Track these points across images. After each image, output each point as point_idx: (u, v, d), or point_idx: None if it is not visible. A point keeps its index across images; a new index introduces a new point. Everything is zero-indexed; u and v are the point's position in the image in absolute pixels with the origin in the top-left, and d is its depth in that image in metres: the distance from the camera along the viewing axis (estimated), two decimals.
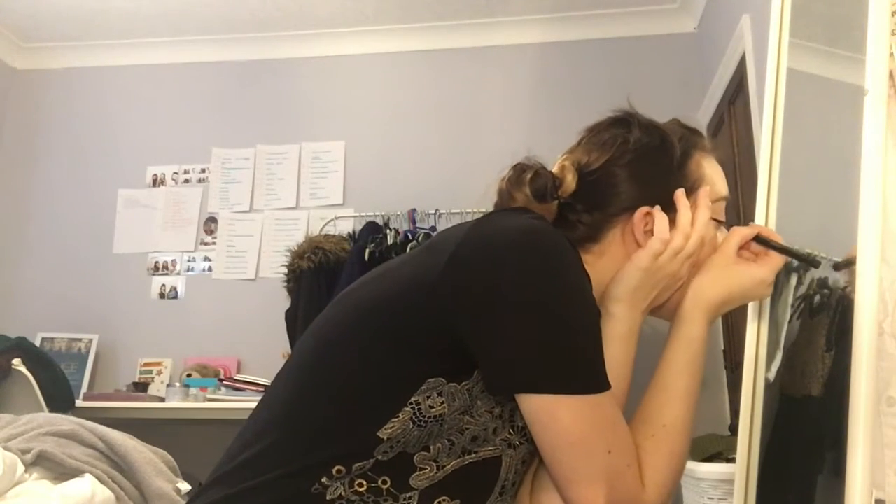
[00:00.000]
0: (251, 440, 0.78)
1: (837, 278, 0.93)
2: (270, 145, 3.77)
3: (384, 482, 0.73)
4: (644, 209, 0.88)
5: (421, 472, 0.75)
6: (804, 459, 0.98)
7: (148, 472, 1.76)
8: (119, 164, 3.83)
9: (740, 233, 0.92)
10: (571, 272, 0.76)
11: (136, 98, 3.92)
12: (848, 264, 0.87)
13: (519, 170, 0.91)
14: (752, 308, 1.12)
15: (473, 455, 0.77)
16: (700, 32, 3.47)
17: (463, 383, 0.75)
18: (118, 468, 1.77)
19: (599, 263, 0.88)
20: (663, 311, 0.93)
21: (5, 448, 1.64)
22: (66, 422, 1.84)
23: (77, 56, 3.99)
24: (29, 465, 1.66)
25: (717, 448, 2.07)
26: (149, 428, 2.53)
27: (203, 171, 3.79)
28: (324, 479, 0.72)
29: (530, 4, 3.59)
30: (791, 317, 1.05)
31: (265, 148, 3.78)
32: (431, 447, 0.75)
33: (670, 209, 0.89)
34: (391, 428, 0.73)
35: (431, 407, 0.74)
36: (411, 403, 0.73)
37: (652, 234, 0.87)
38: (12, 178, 3.89)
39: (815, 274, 0.99)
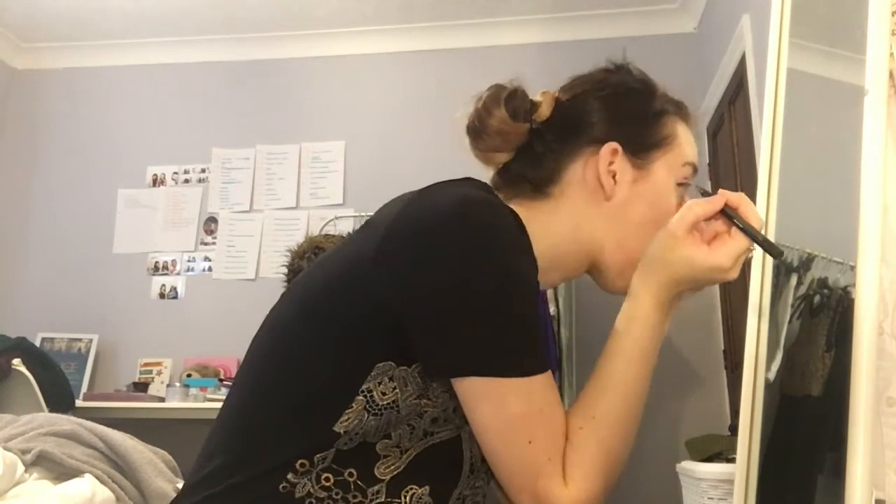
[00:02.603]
0: (215, 445, 0.78)
1: (837, 278, 0.93)
2: (270, 145, 3.77)
3: (350, 475, 0.72)
4: (613, 145, 0.85)
5: (385, 461, 0.73)
6: (804, 459, 0.98)
7: (148, 472, 1.76)
8: (119, 164, 3.83)
9: (695, 211, 0.79)
10: (507, 249, 0.72)
11: (136, 98, 3.92)
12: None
13: (497, 88, 0.89)
14: (752, 308, 1.12)
15: (434, 437, 0.75)
16: (700, 32, 3.47)
17: (413, 366, 0.73)
18: (118, 468, 1.77)
19: (559, 207, 0.86)
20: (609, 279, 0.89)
21: (5, 448, 1.64)
22: (66, 422, 1.84)
23: (77, 56, 3.99)
24: (29, 465, 1.66)
25: (717, 448, 2.07)
26: (149, 428, 2.53)
27: (203, 171, 3.79)
28: (290, 476, 0.71)
29: (530, 4, 3.59)
30: (791, 317, 1.05)
31: (265, 148, 3.77)
32: (392, 434, 0.73)
33: (637, 155, 0.86)
34: (346, 420, 0.72)
35: (384, 394, 0.72)
36: (363, 391, 0.72)
37: (614, 176, 0.84)
38: (12, 178, 3.89)
39: (815, 274, 0.99)
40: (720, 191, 0.81)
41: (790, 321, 1.05)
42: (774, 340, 1.09)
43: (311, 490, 0.71)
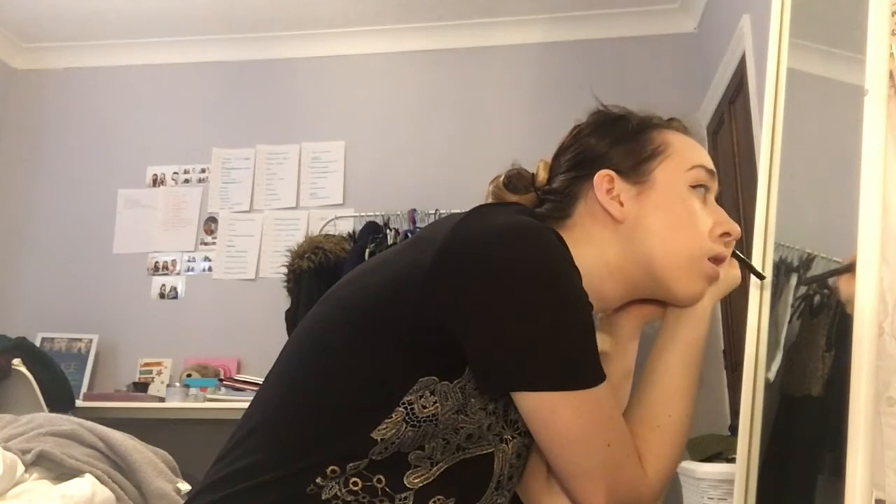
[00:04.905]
0: (243, 443, 0.78)
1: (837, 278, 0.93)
2: (270, 145, 3.77)
3: (379, 481, 0.73)
4: (604, 172, 0.88)
5: (416, 470, 0.74)
6: (804, 459, 0.98)
7: (148, 472, 1.76)
8: (119, 164, 3.83)
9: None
10: (560, 267, 0.75)
11: (136, 98, 3.92)
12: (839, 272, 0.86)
13: (494, 180, 0.96)
14: (752, 308, 1.12)
15: (467, 452, 0.77)
16: (700, 32, 3.47)
17: (455, 381, 0.74)
18: (118, 468, 1.77)
19: (583, 244, 0.88)
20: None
21: (5, 448, 1.64)
22: (66, 422, 1.84)
23: (77, 56, 3.99)
24: (29, 465, 1.66)
25: (717, 448, 2.07)
26: (149, 428, 2.53)
27: (203, 171, 3.79)
28: (318, 480, 0.72)
29: (530, 4, 3.59)
30: (791, 317, 1.05)
31: (265, 148, 3.77)
32: (426, 446, 0.74)
33: (633, 173, 0.88)
34: (384, 429, 0.72)
35: (424, 407, 0.73)
36: (404, 403, 0.73)
37: (617, 199, 0.87)
38: (12, 178, 3.89)
39: (815, 274, 0.99)
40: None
41: (790, 321, 1.05)
42: (774, 340, 1.09)
43: (338, 493, 0.72)
